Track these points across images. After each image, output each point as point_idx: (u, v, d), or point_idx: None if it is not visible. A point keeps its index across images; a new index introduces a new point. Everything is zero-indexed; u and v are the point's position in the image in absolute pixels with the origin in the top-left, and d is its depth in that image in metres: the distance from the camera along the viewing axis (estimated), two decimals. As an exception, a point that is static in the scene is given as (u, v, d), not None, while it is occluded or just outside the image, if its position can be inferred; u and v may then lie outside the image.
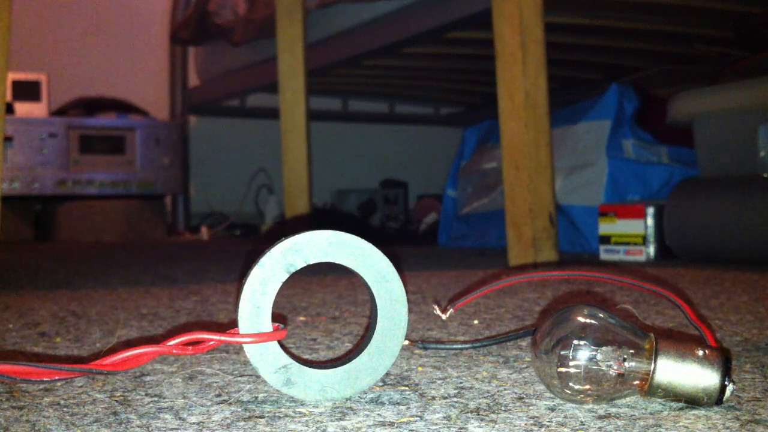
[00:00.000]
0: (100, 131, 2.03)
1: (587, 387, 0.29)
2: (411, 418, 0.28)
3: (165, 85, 2.40)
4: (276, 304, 0.31)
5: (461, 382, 0.34)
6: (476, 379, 0.35)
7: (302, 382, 0.31)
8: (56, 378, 0.31)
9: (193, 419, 0.29)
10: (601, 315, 0.30)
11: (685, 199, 1.07)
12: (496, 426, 0.27)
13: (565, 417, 0.28)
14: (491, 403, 0.30)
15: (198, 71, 2.37)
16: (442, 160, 2.44)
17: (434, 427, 0.27)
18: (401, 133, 2.66)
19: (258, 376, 0.36)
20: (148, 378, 0.36)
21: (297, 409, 0.30)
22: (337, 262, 0.32)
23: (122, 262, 1.23)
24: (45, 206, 2.08)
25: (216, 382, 0.35)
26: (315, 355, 0.42)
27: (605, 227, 1.15)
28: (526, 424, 0.27)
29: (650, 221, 1.11)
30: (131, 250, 1.58)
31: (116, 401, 0.31)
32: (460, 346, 0.36)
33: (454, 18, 1.43)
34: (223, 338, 0.30)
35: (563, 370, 0.29)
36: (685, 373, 0.29)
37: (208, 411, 0.30)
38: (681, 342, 0.30)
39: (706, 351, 0.29)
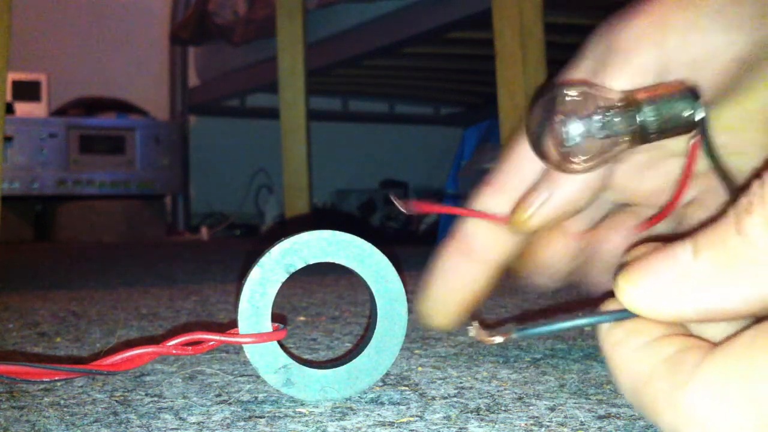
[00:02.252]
0: (100, 131, 2.03)
1: (586, 157, 0.30)
2: (411, 418, 0.28)
3: (165, 85, 2.40)
4: (276, 304, 0.31)
5: (461, 382, 0.34)
6: (476, 379, 0.35)
7: (302, 382, 0.31)
8: (56, 378, 0.31)
9: (193, 419, 0.29)
10: (576, 90, 0.31)
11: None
12: (496, 426, 0.27)
13: (565, 417, 0.28)
14: (491, 403, 0.30)
15: (198, 71, 2.37)
16: (442, 160, 2.44)
17: (434, 427, 0.27)
18: (401, 133, 2.66)
19: (258, 376, 0.36)
20: (148, 378, 0.36)
21: (297, 409, 0.30)
22: (337, 262, 0.32)
23: (122, 262, 1.23)
24: (45, 206, 2.08)
25: (216, 382, 0.35)
26: (315, 355, 0.42)
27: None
28: (526, 424, 0.27)
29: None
30: (131, 250, 1.58)
31: (116, 401, 0.31)
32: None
33: (454, 18, 1.43)
34: (223, 338, 0.30)
35: (564, 149, 0.30)
36: (667, 108, 0.30)
37: (208, 411, 0.30)
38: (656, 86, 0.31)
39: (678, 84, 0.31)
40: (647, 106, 0.30)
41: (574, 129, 0.30)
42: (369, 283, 0.32)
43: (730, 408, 0.19)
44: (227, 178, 2.43)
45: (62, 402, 0.31)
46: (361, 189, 2.33)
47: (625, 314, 0.24)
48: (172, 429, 0.27)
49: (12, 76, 1.92)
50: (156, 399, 0.32)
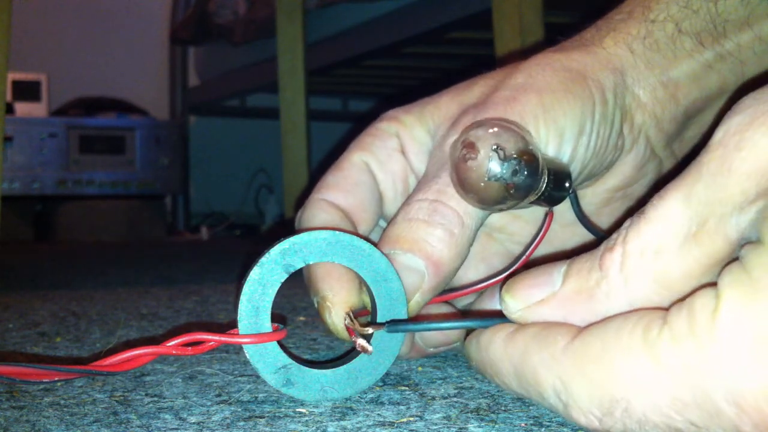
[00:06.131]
0: (100, 131, 2.03)
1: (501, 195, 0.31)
2: (411, 418, 0.28)
3: (165, 85, 2.40)
4: (276, 304, 0.31)
5: (461, 382, 0.34)
6: (476, 379, 0.35)
7: (302, 382, 0.31)
8: (56, 378, 0.31)
9: (193, 419, 0.29)
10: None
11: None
12: (496, 426, 0.27)
13: (565, 417, 0.28)
14: (491, 403, 0.30)
15: (198, 71, 2.37)
16: (442, 160, 2.43)
17: (434, 427, 0.27)
18: (401, 133, 2.65)
19: (258, 376, 0.36)
20: (148, 378, 0.36)
21: (297, 409, 0.30)
22: (337, 262, 0.32)
23: (122, 262, 1.23)
24: (45, 206, 2.08)
25: (216, 382, 0.35)
26: (315, 355, 0.42)
27: (605, 227, 1.15)
28: (526, 424, 0.27)
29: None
30: (131, 250, 1.58)
31: (116, 401, 0.31)
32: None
33: (454, 18, 1.43)
34: (222, 339, 0.30)
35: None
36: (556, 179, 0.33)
37: (208, 411, 0.30)
38: None
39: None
40: (548, 169, 0.32)
41: (505, 166, 0.31)
42: (369, 283, 0.32)
43: (593, 376, 0.23)
44: (227, 178, 2.43)
45: (62, 402, 0.31)
46: (361, 189, 2.33)
47: (492, 321, 0.26)
48: (172, 429, 0.27)
49: (12, 76, 1.92)
50: (156, 399, 0.32)
